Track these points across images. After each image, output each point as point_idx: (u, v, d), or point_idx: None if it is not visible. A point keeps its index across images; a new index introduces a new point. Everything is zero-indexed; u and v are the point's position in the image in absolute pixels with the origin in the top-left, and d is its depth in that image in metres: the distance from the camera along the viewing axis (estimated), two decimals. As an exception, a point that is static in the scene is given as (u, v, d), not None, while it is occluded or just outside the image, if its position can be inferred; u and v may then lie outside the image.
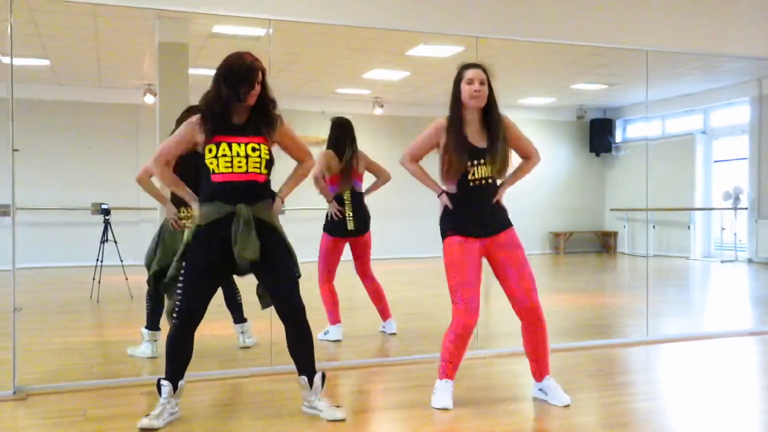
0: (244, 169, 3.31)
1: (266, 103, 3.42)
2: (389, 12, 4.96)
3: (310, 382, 3.44)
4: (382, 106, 10.80)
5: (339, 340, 5.22)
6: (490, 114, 3.62)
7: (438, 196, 3.69)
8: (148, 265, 4.60)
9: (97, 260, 7.31)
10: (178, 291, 3.34)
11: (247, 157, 3.32)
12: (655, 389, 4.15)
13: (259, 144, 3.35)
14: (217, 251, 3.32)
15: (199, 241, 3.35)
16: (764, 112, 11.52)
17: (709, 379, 4.30)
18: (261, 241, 3.33)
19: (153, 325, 4.66)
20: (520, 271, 3.61)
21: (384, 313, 5.48)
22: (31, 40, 8.04)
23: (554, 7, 5.39)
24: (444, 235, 3.65)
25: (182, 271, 3.36)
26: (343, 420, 3.35)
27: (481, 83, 3.57)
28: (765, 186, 11.55)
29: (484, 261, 3.69)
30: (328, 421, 3.35)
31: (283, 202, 3.51)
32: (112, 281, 7.36)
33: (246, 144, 3.33)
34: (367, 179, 5.43)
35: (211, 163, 3.31)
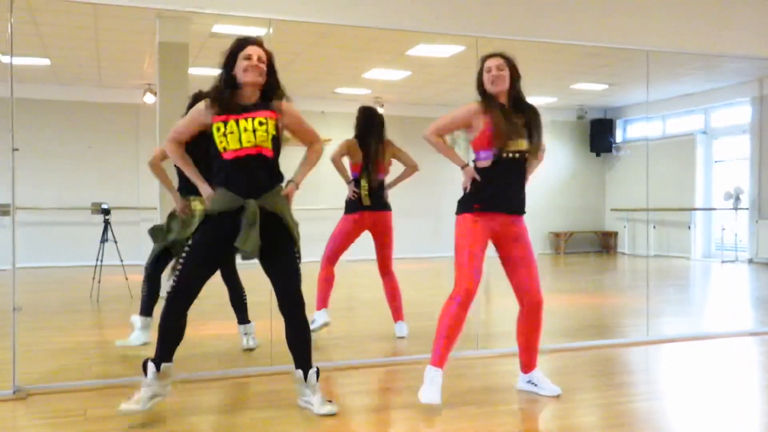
0: (252, 143, 3.37)
1: (274, 86, 3.49)
2: (389, 12, 4.96)
3: (305, 377, 3.51)
4: (382, 106, 10.77)
5: (327, 323, 5.13)
6: (519, 101, 3.70)
7: (462, 169, 3.72)
8: (158, 238, 4.57)
9: (97, 260, 7.31)
10: (177, 267, 3.43)
11: (254, 131, 3.37)
12: (655, 389, 4.14)
13: (266, 118, 3.40)
14: (221, 241, 3.42)
15: (207, 228, 3.44)
16: (765, 112, 11.51)
17: (709, 379, 4.30)
18: (267, 233, 3.41)
19: (147, 311, 4.65)
20: (529, 265, 3.74)
21: (396, 314, 5.36)
22: (31, 40, 8.04)
23: (554, 7, 5.38)
24: (466, 209, 3.69)
25: (185, 250, 3.43)
26: (333, 414, 3.42)
27: (498, 68, 3.64)
28: (765, 186, 11.55)
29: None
30: (319, 414, 3.42)
31: (297, 188, 3.56)
32: (112, 281, 7.36)
33: (253, 119, 3.38)
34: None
35: (221, 142, 3.38)
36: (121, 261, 7.34)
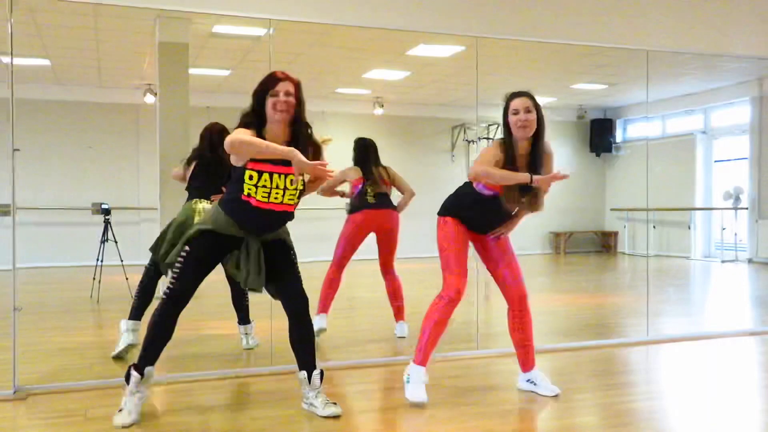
0: (279, 201, 3.36)
1: (303, 127, 3.43)
2: (389, 12, 4.96)
3: (309, 378, 3.50)
4: (382, 106, 10.79)
5: (323, 329, 5.16)
6: (536, 146, 3.63)
7: (532, 183, 3.52)
8: (159, 251, 4.54)
9: (97, 260, 7.30)
10: (174, 272, 3.43)
11: (285, 189, 3.35)
12: (655, 389, 4.15)
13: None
14: (214, 257, 3.46)
15: (201, 242, 3.41)
16: (765, 112, 11.51)
17: (709, 379, 4.30)
18: (266, 253, 3.47)
19: (137, 315, 4.65)
20: (510, 260, 3.81)
21: (397, 314, 5.38)
22: (31, 40, 8.03)
23: (554, 7, 5.39)
24: (448, 213, 3.73)
25: (181, 256, 3.41)
26: (338, 416, 3.40)
27: (527, 111, 3.56)
28: (765, 186, 11.55)
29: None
30: (323, 417, 3.40)
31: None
32: (112, 281, 7.35)
33: (286, 176, 3.33)
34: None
35: (249, 189, 3.31)
36: (122, 261, 7.34)
